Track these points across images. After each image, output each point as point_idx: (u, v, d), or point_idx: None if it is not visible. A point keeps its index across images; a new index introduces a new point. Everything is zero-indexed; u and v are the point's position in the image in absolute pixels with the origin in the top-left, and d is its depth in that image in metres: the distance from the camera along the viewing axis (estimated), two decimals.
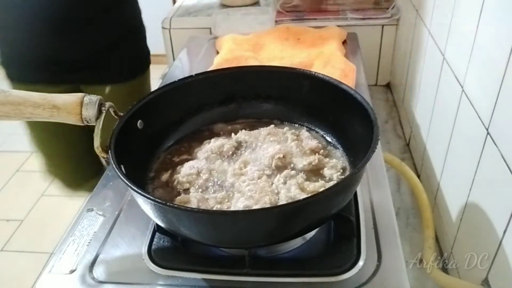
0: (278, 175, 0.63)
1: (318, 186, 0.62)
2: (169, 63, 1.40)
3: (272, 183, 0.62)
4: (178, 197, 0.62)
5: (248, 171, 0.64)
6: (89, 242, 0.64)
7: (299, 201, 0.52)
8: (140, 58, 1.26)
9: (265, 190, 0.60)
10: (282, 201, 0.59)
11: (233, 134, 0.73)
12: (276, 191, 0.61)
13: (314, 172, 0.65)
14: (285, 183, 0.62)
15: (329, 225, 0.64)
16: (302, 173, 0.64)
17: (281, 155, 0.65)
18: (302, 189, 0.61)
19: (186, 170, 0.65)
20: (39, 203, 2.12)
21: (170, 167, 0.68)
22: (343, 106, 0.67)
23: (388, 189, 0.71)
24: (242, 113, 0.77)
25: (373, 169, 0.74)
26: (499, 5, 0.63)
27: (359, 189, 0.69)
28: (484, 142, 0.65)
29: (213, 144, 0.70)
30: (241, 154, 0.69)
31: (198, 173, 0.65)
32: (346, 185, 0.54)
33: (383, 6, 1.35)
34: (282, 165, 0.65)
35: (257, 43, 1.18)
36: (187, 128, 0.75)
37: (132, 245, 0.63)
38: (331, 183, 0.62)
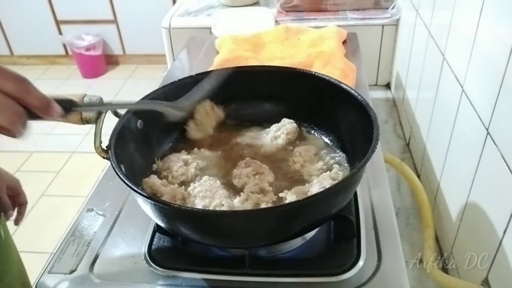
0: (321, 163, 0.65)
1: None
2: (169, 63, 1.40)
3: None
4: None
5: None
6: (89, 242, 0.64)
7: (299, 201, 0.52)
8: None
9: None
10: (316, 191, 0.59)
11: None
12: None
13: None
14: (319, 175, 0.62)
15: (329, 225, 0.64)
16: (338, 165, 0.65)
17: None
18: (335, 180, 0.61)
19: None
20: (39, 203, 2.12)
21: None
22: (343, 106, 0.67)
23: (388, 189, 0.71)
24: (242, 113, 0.77)
25: (373, 169, 0.74)
26: (499, 5, 0.63)
27: (359, 189, 0.69)
28: (484, 142, 0.65)
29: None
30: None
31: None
32: (346, 185, 0.54)
33: (383, 6, 1.35)
34: None
35: (257, 43, 1.18)
36: None
37: (132, 245, 0.63)
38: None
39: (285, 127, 0.73)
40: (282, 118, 0.75)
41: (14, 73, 0.40)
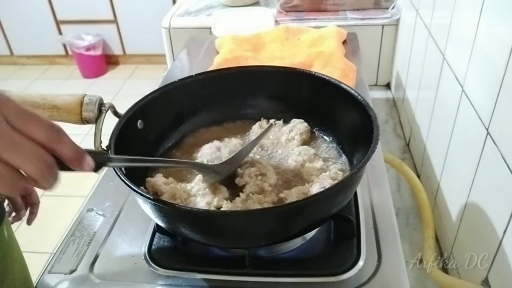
0: (321, 162, 0.65)
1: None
2: (169, 63, 1.40)
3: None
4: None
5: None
6: (89, 242, 0.64)
7: (299, 201, 0.52)
8: None
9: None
10: (316, 191, 0.58)
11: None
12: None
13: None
14: (319, 175, 0.62)
15: (329, 225, 0.64)
16: (337, 165, 0.65)
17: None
18: (334, 180, 0.61)
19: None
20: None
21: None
22: (343, 106, 0.67)
23: (388, 189, 0.71)
24: (242, 113, 0.77)
25: (373, 169, 0.74)
26: (499, 5, 0.63)
27: (359, 189, 0.69)
28: (484, 142, 0.65)
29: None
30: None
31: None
32: (346, 185, 0.54)
33: (383, 6, 1.35)
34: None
35: (257, 43, 1.18)
36: (187, 128, 0.75)
37: (132, 245, 0.63)
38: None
39: (297, 128, 0.72)
40: (282, 118, 0.75)
41: (48, 121, 0.38)
